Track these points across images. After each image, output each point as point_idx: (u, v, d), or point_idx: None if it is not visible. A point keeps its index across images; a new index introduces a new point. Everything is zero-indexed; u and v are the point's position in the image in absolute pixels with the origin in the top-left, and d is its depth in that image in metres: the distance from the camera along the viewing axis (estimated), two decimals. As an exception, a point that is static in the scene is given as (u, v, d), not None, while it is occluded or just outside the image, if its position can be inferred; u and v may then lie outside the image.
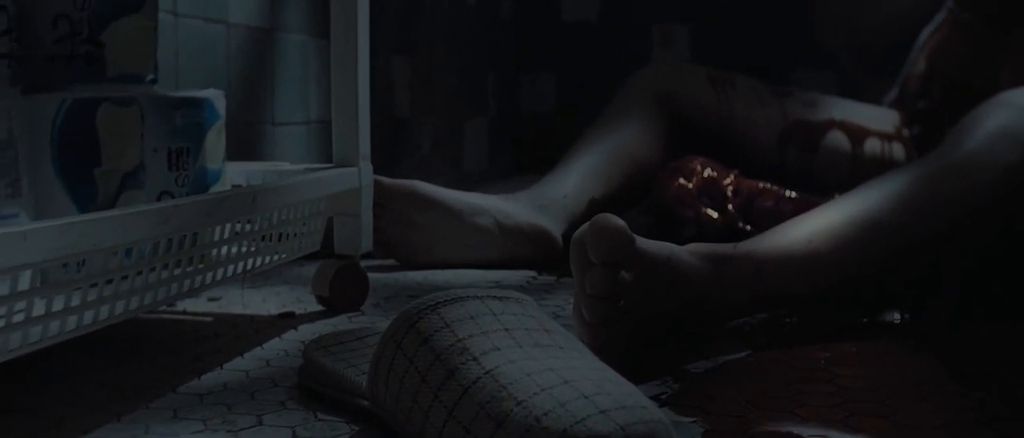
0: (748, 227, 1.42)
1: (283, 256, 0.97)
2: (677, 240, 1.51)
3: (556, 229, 1.41)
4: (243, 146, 1.38)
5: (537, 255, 1.38)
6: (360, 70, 1.02)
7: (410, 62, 1.92)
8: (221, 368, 0.86)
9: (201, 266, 0.83)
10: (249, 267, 0.90)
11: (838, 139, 1.65)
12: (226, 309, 1.09)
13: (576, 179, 1.49)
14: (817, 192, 1.56)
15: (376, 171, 1.79)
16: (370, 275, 1.26)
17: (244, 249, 0.90)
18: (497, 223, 1.36)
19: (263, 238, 0.95)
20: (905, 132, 1.68)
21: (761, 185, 1.47)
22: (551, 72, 2.70)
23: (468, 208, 1.36)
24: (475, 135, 2.34)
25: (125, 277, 0.73)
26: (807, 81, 2.54)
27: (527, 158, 2.68)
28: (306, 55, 1.54)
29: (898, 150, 1.65)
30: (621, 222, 0.80)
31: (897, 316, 1.04)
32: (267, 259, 0.94)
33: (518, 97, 2.71)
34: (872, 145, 1.64)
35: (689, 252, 0.90)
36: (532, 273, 1.32)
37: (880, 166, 1.63)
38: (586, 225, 0.81)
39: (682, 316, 0.89)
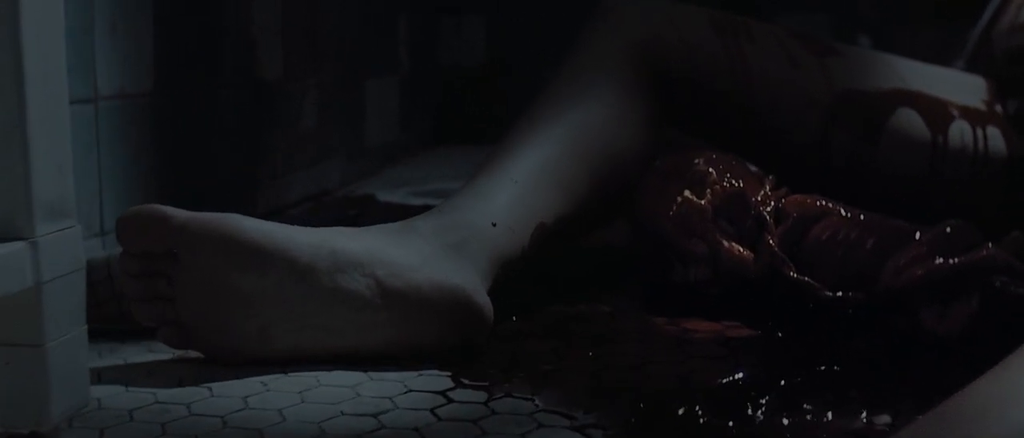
0: (805, 278, 0.86)
1: None
2: (678, 286, 0.96)
3: (479, 286, 0.82)
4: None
5: (449, 337, 0.80)
6: (24, 9, 0.45)
7: (281, 1, 1.42)
8: None
9: None
10: None
11: (911, 120, 1.11)
12: None
13: (513, 191, 0.91)
14: (880, 201, 1.02)
15: (229, 168, 1.22)
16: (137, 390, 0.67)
17: None
18: (378, 284, 0.78)
19: None
20: (998, 108, 1.14)
21: (819, 203, 0.91)
22: (479, 15, 2.43)
23: (327, 260, 0.77)
24: (382, 98, 1.92)
25: None
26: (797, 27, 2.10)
27: (451, 125, 2.37)
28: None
29: (995, 138, 1.12)
30: None
31: None
32: None
33: (438, 47, 2.37)
34: (959, 130, 1.11)
35: None
36: (446, 379, 0.75)
37: (972, 163, 1.10)
38: None
39: None
